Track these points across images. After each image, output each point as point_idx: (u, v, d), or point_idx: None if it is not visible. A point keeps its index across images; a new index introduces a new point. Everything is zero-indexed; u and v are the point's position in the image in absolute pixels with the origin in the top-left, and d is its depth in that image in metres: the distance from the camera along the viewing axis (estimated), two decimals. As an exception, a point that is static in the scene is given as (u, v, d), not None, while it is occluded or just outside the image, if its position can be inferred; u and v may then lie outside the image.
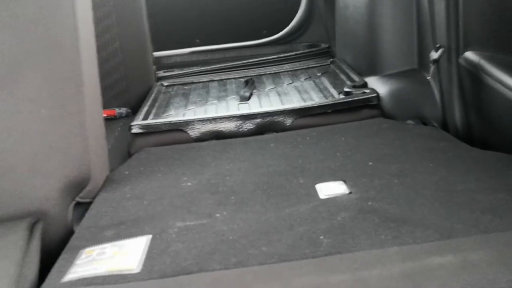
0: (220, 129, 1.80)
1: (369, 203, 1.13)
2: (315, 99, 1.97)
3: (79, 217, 1.31)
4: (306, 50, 2.82)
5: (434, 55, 1.67)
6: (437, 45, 1.67)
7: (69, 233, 1.29)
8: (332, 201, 1.16)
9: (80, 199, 1.35)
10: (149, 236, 1.09)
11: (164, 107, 2.08)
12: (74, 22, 1.32)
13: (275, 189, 1.27)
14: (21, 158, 1.23)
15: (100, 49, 2.27)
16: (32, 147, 1.24)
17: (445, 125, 1.73)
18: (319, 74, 2.32)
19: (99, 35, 2.26)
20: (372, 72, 2.04)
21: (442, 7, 1.63)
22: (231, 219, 1.13)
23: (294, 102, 1.97)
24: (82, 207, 1.35)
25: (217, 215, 1.16)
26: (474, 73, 1.53)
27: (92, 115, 1.38)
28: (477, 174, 1.22)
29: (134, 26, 2.36)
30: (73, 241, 1.14)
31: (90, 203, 1.35)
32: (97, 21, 2.26)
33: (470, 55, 1.57)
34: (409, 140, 1.50)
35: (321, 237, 1.01)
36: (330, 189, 1.24)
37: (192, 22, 2.95)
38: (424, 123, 1.74)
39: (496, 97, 1.42)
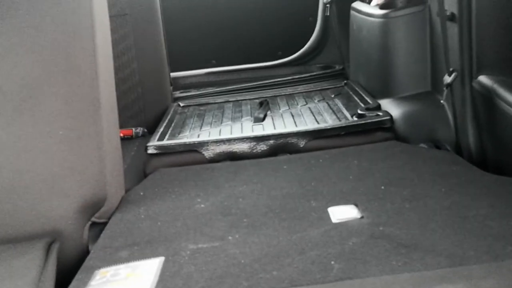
0: (234, 150, 1.82)
1: (381, 228, 1.14)
2: (329, 121, 1.99)
3: (95, 237, 1.34)
4: (321, 72, 2.85)
5: (448, 79, 1.67)
6: (451, 69, 1.68)
7: (85, 252, 1.31)
8: (343, 226, 1.17)
9: (95, 219, 1.38)
10: (162, 258, 1.11)
11: (180, 128, 2.11)
12: (93, 47, 1.36)
13: (288, 212, 1.28)
14: (39, 178, 1.26)
15: (118, 70, 2.33)
16: (49, 167, 1.27)
17: (458, 149, 1.72)
18: (333, 96, 2.34)
19: (117, 57, 2.32)
20: (386, 94, 2.05)
21: (455, 31, 1.64)
22: (243, 242, 1.14)
23: (308, 123, 1.99)
24: (98, 227, 1.38)
25: (229, 237, 1.17)
26: (488, 97, 1.53)
27: (109, 136, 1.42)
28: (490, 199, 1.22)
29: (152, 47, 2.41)
30: (88, 262, 1.16)
31: (105, 223, 1.38)
32: (115, 43, 2.31)
33: (483, 79, 1.57)
34: (421, 164, 1.50)
35: (332, 262, 1.01)
36: (342, 213, 1.24)
37: (208, 43, 3.00)
38: (438, 147, 1.74)
39: (510, 122, 1.42)
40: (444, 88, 1.70)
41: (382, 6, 2.07)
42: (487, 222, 1.11)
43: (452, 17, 1.64)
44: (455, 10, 1.62)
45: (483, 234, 1.06)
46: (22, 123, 1.25)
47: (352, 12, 2.39)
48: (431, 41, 1.93)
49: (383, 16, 2.02)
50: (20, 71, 1.25)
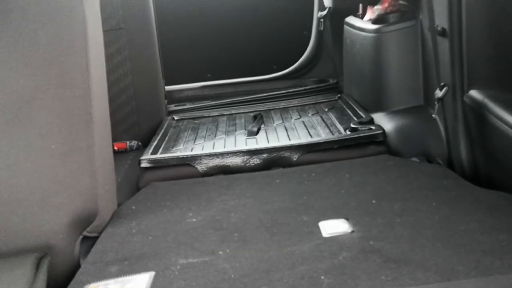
0: (227, 164, 1.83)
1: (371, 242, 1.14)
2: (322, 134, 1.99)
3: (86, 251, 1.34)
4: (315, 85, 2.86)
5: (439, 93, 1.68)
6: (442, 84, 1.69)
7: (76, 267, 1.31)
8: (334, 240, 1.17)
9: (87, 233, 1.38)
10: (152, 273, 1.11)
11: (174, 141, 2.12)
12: (86, 61, 1.37)
13: (279, 226, 1.28)
14: (30, 192, 1.26)
15: (113, 83, 2.34)
16: (41, 181, 1.27)
17: (450, 163, 1.73)
18: (326, 110, 2.35)
19: (112, 70, 2.33)
20: (378, 108, 2.06)
21: (446, 46, 1.66)
22: (234, 257, 1.14)
23: (301, 137, 2.00)
24: (89, 241, 1.37)
25: (220, 252, 1.17)
26: (479, 112, 1.54)
27: (101, 150, 1.42)
28: (480, 214, 1.22)
29: (147, 60, 2.42)
30: (78, 276, 1.16)
31: (97, 237, 1.37)
32: (111, 56, 2.33)
33: (474, 93, 1.59)
34: (413, 178, 1.51)
35: (322, 277, 1.01)
36: (333, 227, 1.25)
37: (203, 57, 3.02)
38: (430, 161, 1.75)
39: (501, 136, 1.43)
40: (436, 102, 1.71)
41: (374, 21, 2.09)
42: (477, 236, 1.11)
43: (443, 32, 1.66)
44: (446, 25, 1.63)
45: (473, 249, 1.06)
46: (14, 136, 1.25)
47: (345, 26, 2.41)
48: (423, 55, 1.94)
49: (376, 31, 2.04)
50: (12, 84, 1.26)
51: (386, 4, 2.08)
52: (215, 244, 1.22)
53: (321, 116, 2.26)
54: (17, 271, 1.14)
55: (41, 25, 1.30)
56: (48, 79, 1.29)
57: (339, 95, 2.52)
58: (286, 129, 2.13)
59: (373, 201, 1.37)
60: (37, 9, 1.30)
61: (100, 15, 1.52)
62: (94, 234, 1.39)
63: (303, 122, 2.20)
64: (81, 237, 1.35)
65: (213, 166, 1.83)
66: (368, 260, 1.06)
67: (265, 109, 2.50)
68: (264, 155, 1.84)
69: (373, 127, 1.90)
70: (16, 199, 1.25)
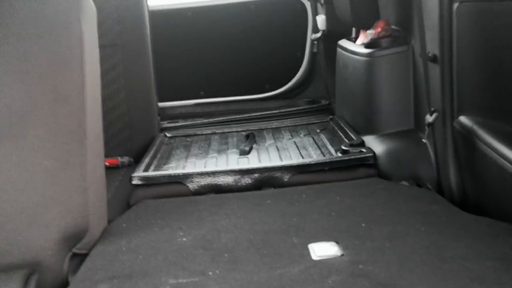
0: (218, 183, 1.83)
1: (360, 266, 1.15)
2: (313, 156, 2.01)
3: (75, 268, 1.33)
4: (307, 106, 2.89)
5: (429, 118, 1.71)
6: (432, 109, 1.72)
7: (64, 284, 1.30)
8: (324, 263, 1.18)
9: (76, 250, 1.37)
10: (142, 293, 1.10)
11: (166, 159, 2.12)
12: (82, 78, 1.37)
13: (269, 248, 1.29)
14: (21, 208, 1.26)
15: (106, 99, 2.35)
16: (32, 197, 1.27)
17: (439, 187, 1.75)
18: (318, 131, 2.37)
19: (106, 86, 2.33)
20: (369, 130, 2.09)
21: (437, 72, 1.69)
22: (223, 278, 1.14)
23: (293, 158, 2.01)
24: (78, 258, 1.37)
25: (210, 273, 1.17)
26: (468, 138, 1.56)
27: (93, 167, 1.42)
28: (468, 240, 1.24)
29: (141, 77, 2.43)
30: (66, 295, 1.15)
31: (86, 254, 1.37)
32: (105, 72, 2.34)
33: (464, 119, 1.61)
34: (402, 202, 1.52)
35: (311, 301, 1.02)
36: (323, 250, 1.25)
37: (197, 75, 3.04)
38: (419, 185, 1.77)
39: (489, 163, 1.46)
40: (426, 127, 1.74)
41: (367, 45, 2.12)
42: (465, 263, 1.13)
43: (434, 59, 1.69)
44: (437, 51, 1.67)
45: (460, 275, 1.08)
46: (6, 151, 1.25)
47: (338, 49, 2.45)
48: (414, 80, 1.97)
49: (368, 55, 2.08)
50: (6, 99, 1.26)
51: (379, 29, 2.11)
52: (205, 264, 1.22)
53: (312, 137, 2.28)
54: (5, 288, 1.14)
55: (37, 40, 1.31)
56: (43, 94, 1.30)
57: (331, 116, 2.55)
58: (278, 149, 2.14)
59: (363, 225, 1.38)
60: (33, 25, 1.31)
61: (96, 31, 1.53)
62: (84, 251, 1.38)
63: (295, 143, 2.22)
64: (70, 254, 1.35)
65: (205, 184, 1.83)
66: (357, 284, 1.07)
67: (257, 128, 2.52)
68: (256, 175, 1.85)
69: (363, 150, 1.92)
70: (6, 213, 1.25)
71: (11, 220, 1.25)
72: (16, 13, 1.30)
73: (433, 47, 1.70)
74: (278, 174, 1.85)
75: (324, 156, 1.99)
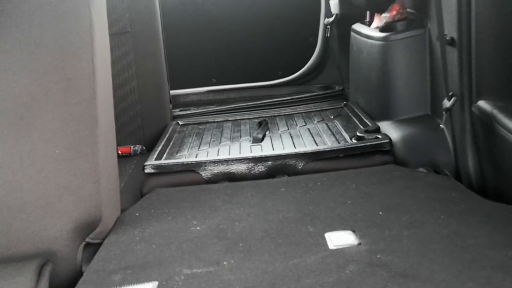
0: (232, 171, 1.81)
1: (378, 255, 1.12)
2: (328, 142, 1.98)
3: (89, 258, 1.32)
4: (320, 92, 2.85)
5: (447, 103, 1.67)
6: (450, 94, 1.67)
7: (78, 274, 1.29)
8: (340, 252, 1.15)
9: (90, 240, 1.36)
10: (155, 283, 1.09)
11: (178, 147, 2.10)
12: (92, 66, 1.36)
13: (284, 237, 1.27)
14: (33, 197, 1.25)
15: (118, 87, 2.34)
16: (44, 187, 1.26)
17: (457, 174, 1.71)
18: (332, 117, 2.33)
19: (117, 74, 2.32)
20: (385, 116, 2.04)
21: (454, 56, 1.64)
22: (238, 268, 1.13)
23: (307, 145, 1.98)
24: (92, 248, 1.36)
25: (225, 263, 1.16)
26: (487, 123, 1.52)
27: (105, 156, 1.41)
28: (489, 228, 1.21)
29: (152, 65, 2.41)
30: (80, 285, 1.15)
31: (100, 244, 1.36)
32: (116, 60, 2.32)
33: (483, 104, 1.57)
34: (420, 189, 1.49)
35: (328, 291, 1.00)
36: (339, 239, 1.23)
37: (209, 62, 3.01)
38: (436, 171, 1.73)
39: (509, 148, 1.42)
40: (444, 113, 1.70)
41: (382, 29, 2.07)
42: (486, 252, 1.10)
43: (451, 42, 1.64)
44: (454, 35, 1.62)
45: (482, 264, 1.05)
46: (18, 140, 1.24)
47: (352, 33, 2.40)
48: (431, 64, 1.93)
49: (383, 38, 2.03)
50: (17, 88, 1.25)
51: (394, 12, 2.06)
52: (220, 254, 1.20)
53: (326, 124, 2.24)
54: (19, 278, 1.13)
55: (47, 29, 1.29)
56: (54, 83, 1.28)
57: (344, 102, 2.51)
58: (292, 136, 2.11)
59: (380, 213, 1.35)
60: (43, 13, 1.29)
61: (106, 19, 1.51)
62: (97, 241, 1.38)
63: (309, 129, 2.19)
64: (83, 243, 1.34)
65: (218, 173, 1.81)
66: (375, 274, 1.04)
67: (270, 115, 2.49)
68: (269, 163, 1.82)
69: (379, 136, 1.88)
70: (19, 203, 1.24)
71: (24, 210, 1.24)
72: (26, 2, 1.27)
73: (451, 30, 1.65)
74: (292, 162, 1.82)
75: (338, 143, 1.96)
